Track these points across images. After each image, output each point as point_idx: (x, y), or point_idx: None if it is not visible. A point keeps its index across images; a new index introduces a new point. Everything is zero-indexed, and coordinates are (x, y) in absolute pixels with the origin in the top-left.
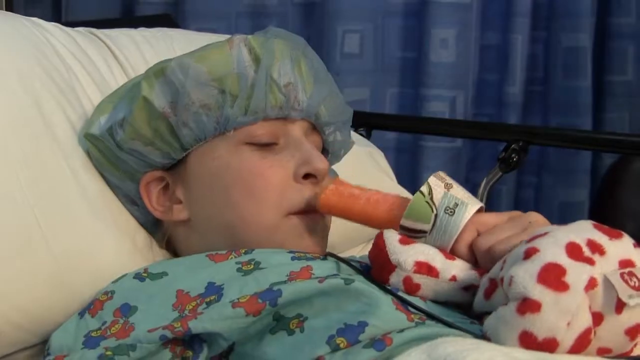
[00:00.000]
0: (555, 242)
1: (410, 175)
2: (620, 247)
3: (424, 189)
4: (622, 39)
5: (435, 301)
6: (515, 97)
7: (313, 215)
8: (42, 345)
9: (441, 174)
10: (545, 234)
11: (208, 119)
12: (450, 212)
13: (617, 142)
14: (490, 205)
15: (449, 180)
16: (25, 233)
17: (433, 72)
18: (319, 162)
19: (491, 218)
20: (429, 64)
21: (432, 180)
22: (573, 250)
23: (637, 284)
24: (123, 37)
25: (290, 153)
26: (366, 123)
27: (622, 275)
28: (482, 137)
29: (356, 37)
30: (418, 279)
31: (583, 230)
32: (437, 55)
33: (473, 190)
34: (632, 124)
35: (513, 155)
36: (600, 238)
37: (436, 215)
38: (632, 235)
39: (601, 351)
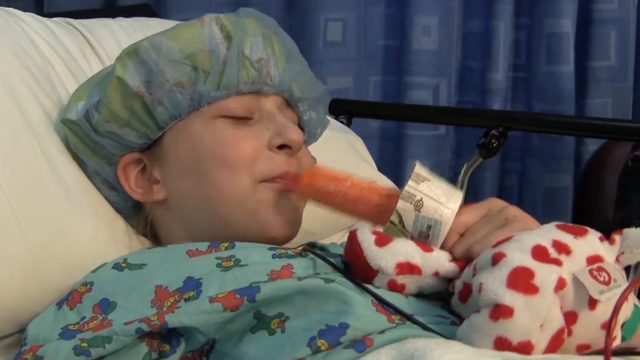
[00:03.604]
0: (520, 246)
1: (394, 163)
2: (586, 244)
3: (394, 218)
4: (604, 24)
5: (418, 295)
6: (499, 84)
7: (286, 184)
8: (19, 335)
9: (411, 185)
10: (511, 238)
11: (182, 96)
12: (425, 235)
13: (595, 126)
14: (474, 192)
15: (421, 188)
16: (0, 221)
17: (416, 60)
18: (293, 134)
19: (469, 217)
20: (411, 51)
21: (400, 205)
22: (539, 253)
23: (606, 279)
24: (100, 27)
25: (265, 126)
26: (346, 111)
27: (591, 272)
28: (462, 123)
29: (339, 25)
30: (402, 279)
31: (547, 232)
32: (420, 42)
33: (454, 176)
34: (615, 109)
35: (493, 140)
36: (565, 237)
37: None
38: (616, 220)
39: (580, 348)
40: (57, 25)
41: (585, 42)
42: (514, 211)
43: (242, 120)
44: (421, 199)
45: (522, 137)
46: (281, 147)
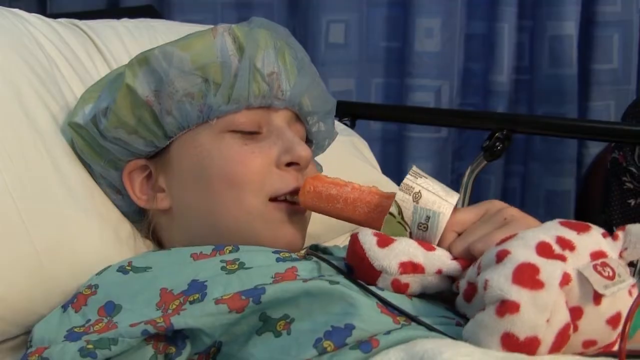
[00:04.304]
0: (525, 243)
1: (396, 165)
2: (590, 239)
3: (393, 209)
4: (607, 27)
5: (422, 297)
6: (502, 86)
7: (295, 206)
8: (25, 337)
9: (410, 178)
10: (514, 235)
11: (191, 108)
12: (424, 227)
13: (598, 129)
14: (478, 195)
15: (419, 181)
16: (6, 224)
17: (418, 62)
18: (302, 150)
19: (467, 215)
20: (413, 53)
21: (399, 196)
22: (543, 249)
23: (611, 274)
24: (105, 28)
25: (273, 141)
26: (350, 113)
27: (595, 267)
28: (466, 126)
29: (341, 27)
30: (405, 278)
31: (551, 229)
32: (422, 44)
33: (458, 180)
34: (617, 112)
35: (497, 143)
36: (569, 234)
37: (410, 234)
38: (600, 223)
39: (586, 344)
40: (62, 26)
41: (588, 44)
42: (513, 211)
43: (250, 135)
44: (419, 192)
45: (524, 140)
46: (289, 164)
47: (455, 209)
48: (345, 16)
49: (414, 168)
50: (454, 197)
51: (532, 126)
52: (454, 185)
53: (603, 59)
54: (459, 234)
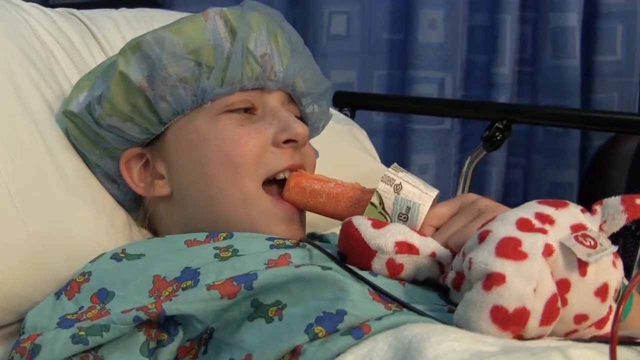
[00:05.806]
0: (505, 221)
1: (398, 158)
2: (568, 214)
3: (374, 199)
4: (611, 18)
5: (415, 283)
6: (504, 78)
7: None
8: (18, 325)
9: (391, 171)
10: (494, 217)
11: (185, 92)
12: (404, 217)
13: (598, 119)
14: (480, 187)
15: (400, 175)
16: (0, 211)
17: (421, 54)
18: (298, 127)
19: (443, 209)
20: (416, 45)
21: (381, 187)
22: (523, 224)
23: (592, 243)
24: (103, 17)
25: (268, 122)
26: (350, 103)
27: (576, 238)
28: (466, 116)
29: (343, 18)
30: (400, 258)
31: (529, 207)
32: (425, 36)
33: (458, 171)
34: (620, 104)
35: (497, 133)
36: (547, 210)
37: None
38: None
39: (578, 318)
40: (60, 15)
41: (592, 36)
42: (487, 202)
43: (245, 115)
44: (400, 184)
45: (527, 132)
46: (286, 141)
47: (432, 204)
48: (347, 7)
49: (395, 164)
50: (433, 191)
51: (531, 116)
52: (456, 176)
53: (606, 50)
54: (437, 229)
